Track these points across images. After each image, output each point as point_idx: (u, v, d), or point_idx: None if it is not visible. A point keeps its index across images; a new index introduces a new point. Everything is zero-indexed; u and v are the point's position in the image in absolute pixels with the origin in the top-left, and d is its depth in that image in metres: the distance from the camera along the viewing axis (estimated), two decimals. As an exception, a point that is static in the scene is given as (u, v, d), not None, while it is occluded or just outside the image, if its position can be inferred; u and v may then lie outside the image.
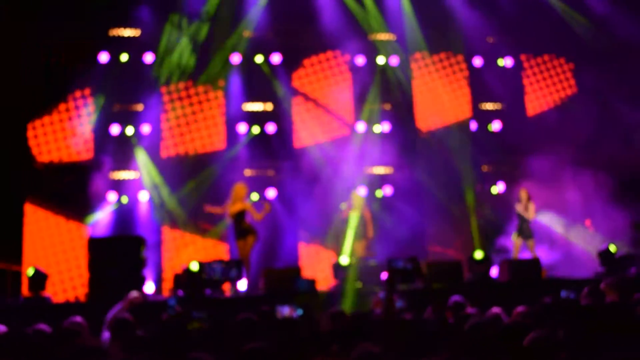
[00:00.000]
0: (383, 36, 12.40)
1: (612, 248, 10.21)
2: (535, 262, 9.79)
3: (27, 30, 10.79)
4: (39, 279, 8.87)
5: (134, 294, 7.01)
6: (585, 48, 12.03)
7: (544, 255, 10.99)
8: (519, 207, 10.79)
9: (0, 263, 9.55)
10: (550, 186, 11.52)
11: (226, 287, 9.27)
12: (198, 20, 11.63)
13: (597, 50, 11.91)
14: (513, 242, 10.90)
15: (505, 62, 12.76)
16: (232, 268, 9.19)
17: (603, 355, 3.50)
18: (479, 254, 9.83)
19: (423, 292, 8.74)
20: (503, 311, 6.05)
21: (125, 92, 11.47)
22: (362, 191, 11.43)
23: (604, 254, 10.19)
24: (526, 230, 10.72)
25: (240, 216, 10.15)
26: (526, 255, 10.58)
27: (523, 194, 10.87)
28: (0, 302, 8.58)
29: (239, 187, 10.28)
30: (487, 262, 9.69)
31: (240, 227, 10.13)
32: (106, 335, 5.96)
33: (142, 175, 11.36)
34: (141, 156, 11.38)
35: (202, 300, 8.67)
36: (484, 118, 12.64)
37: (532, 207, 10.76)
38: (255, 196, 11.34)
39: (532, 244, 10.70)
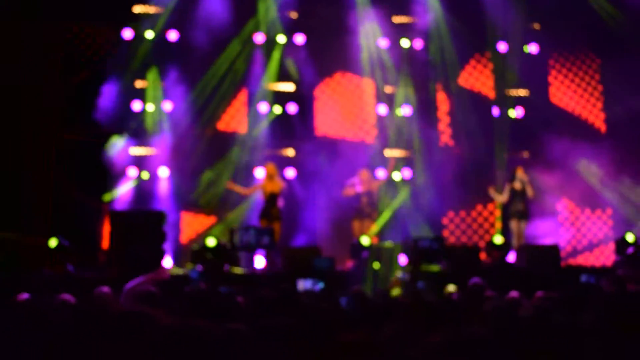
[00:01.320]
0: (404, 19, 12.32)
1: (630, 237, 10.18)
2: (553, 248, 9.79)
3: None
4: (62, 249, 9.01)
5: (162, 270, 7.04)
6: (614, 42, 11.84)
7: (553, 238, 10.99)
8: (517, 185, 10.71)
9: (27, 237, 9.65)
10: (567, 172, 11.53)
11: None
12: None
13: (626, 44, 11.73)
14: (512, 227, 10.78)
15: (530, 48, 12.59)
16: (265, 235, 9.29)
17: (628, 342, 3.52)
18: (498, 239, 9.84)
19: (443, 274, 8.78)
20: (522, 295, 6.08)
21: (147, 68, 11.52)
22: (380, 173, 11.46)
23: (621, 243, 10.17)
24: (523, 211, 10.67)
25: (273, 198, 10.24)
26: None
27: (522, 173, 10.81)
28: (24, 274, 8.71)
29: (271, 167, 10.39)
30: (505, 248, 9.71)
31: (270, 210, 10.21)
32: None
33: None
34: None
35: (222, 275, 8.76)
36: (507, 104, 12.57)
37: (529, 185, 10.77)
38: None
39: (524, 226, 10.65)
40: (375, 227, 10.76)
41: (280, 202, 10.46)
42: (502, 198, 11.07)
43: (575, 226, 12.01)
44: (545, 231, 11.24)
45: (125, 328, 2.58)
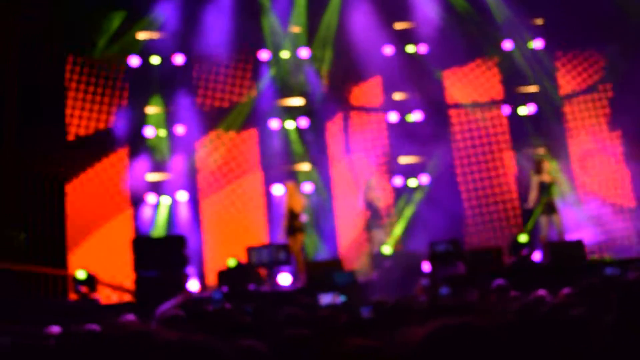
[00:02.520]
0: (405, 25, 12.32)
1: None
2: (578, 244, 9.67)
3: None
4: (90, 281, 9.11)
5: (187, 291, 7.10)
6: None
7: (587, 236, 10.81)
8: (545, 177, 10.36)
9: (47, 268, 9.78)
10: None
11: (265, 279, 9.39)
12: None
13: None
14: (541, 221, 10.44)
15: (535, 44, 12.51)
16: (281, 251, 9.33)
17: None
18: (523, 238, 9.74)
19: (466, 278, 8.72)
20: (548, 293, 6.00)
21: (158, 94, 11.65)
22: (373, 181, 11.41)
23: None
24: (552, 205, 10.31)
25: (294, 213, 10.33)
26: (553, 232, 10.34)
27: (548, 165, 10.51)
28: (51, 304, 8.82)
29: (292, 186, 10.58)
30: (530, 246, 9.61)
31: (293, 224, 10.30)
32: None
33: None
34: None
35: (246, 294, 8.79)
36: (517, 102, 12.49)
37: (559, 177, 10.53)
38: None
39: (558, 220, 10.36)
40: (394, 235, 10.72)
41: (303, 217, 10.50)
42: (534, 194, 10.48)
43: (601, 221, 11.82)
44: (572, 226, 11.08)
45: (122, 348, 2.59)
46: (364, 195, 10.80)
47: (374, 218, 10.64)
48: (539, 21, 12.29)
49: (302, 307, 5.82)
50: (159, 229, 11.20)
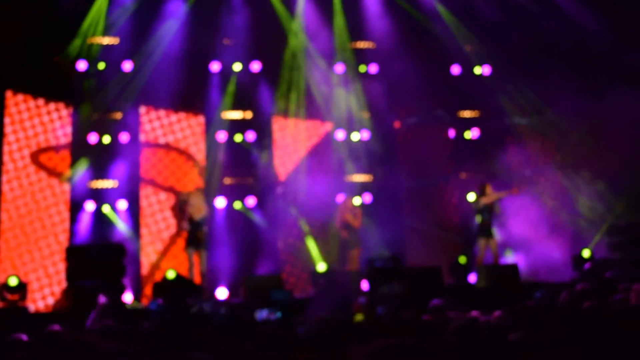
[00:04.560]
0: (363, 44, 12.49)
1: (585, 253, 10.36)
2: (512, 267, 9.90)
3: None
4: (21, 288, 8.81)
5: (101, 298, 6.96)
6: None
7: (520, 260, 11.08)
8: (485, 200, 10.62)
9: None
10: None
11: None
12: None
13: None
14: (479, 244, 10.69)
15: (483, 70, 12.83)
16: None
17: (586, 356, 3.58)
18: (462, 259, 9.93)
19: (403, 297, 8.79)
20: (481, 314, 6.12)
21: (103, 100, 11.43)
22: (340, 198, 11.52)
23: (577, 259, 10.34)
24: (489, 229, 10.60)
25: (196, 224, 10.17)
26: (488, 257, 10.60)
27: (490, 189, 10.79)
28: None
29: (195, 194, 10.48)
30: (467, 268, 9.79)
31: (194, 235, 10.18)
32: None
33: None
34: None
35: (183, 307, 8.63)
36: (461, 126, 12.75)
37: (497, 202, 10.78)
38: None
39: (495, 244, 10.63)
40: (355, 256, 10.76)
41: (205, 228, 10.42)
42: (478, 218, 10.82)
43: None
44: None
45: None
46: (339, 215, 10.83)
47: (351, 237, 10.67)
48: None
49: (237, 322, 5.78)
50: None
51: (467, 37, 12.37)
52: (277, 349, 3.94)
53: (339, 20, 12.14)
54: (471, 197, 12.20)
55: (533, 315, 4.67)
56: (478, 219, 10.74)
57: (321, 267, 9.94)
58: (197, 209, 10.31)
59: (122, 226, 11.03)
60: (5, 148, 11.04)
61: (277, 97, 11.96)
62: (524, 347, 3.92)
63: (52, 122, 11.26)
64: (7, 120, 11.11)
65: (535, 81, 11.94)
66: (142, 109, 11.70)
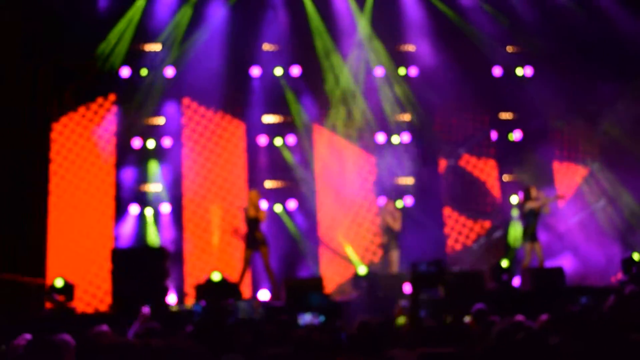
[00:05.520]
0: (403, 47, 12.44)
1: (636, 256, 10.09)
2: (558, 271, 9.71)
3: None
4: (67, 289, 9.00)
5: (144, 309, 6.93)
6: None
7: (567, 263, 10.86)
8: (532, 204, 10.41)
9: (24, 277, 9.64)
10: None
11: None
12: None
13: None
14: (525, 248, 10.49)
15: (525, 71, 12.64)
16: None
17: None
18: (505, 263, 9.78)
19: (445, 302, 8.69)
20: (526, 319, 6.01)
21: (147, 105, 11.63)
22: (380, 201, 11.48)
23: (627, 262, 10.07)
24: (535, 233, 10.41)
25: (253, 224, 10.14)
26: (534, 260, 10.39)
27: (534, 191, 10.57)
28: (25, 314, 8.68)
29: (253, 194, 10.28)
30: (511, 271, 9.64)
31: (253, 236, 10.09)
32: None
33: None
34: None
35: (226, 309, 8.70)
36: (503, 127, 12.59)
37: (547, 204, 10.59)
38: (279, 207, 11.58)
39: (540, 248, 10.43)
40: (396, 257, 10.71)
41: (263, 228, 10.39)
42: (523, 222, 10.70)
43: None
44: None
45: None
46: (380, 219, 10.83)
47: (391, 240, 10.66)
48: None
49: (279, 326, 5.79)
50: (150, 239, 11.14)
51: (510, 38, 12.22)
52: (317, 353, 3.93)
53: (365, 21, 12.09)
54: (514, 199, 12.03)
55: (578, 320, 4.55)
56: (524, 222, 10.58)
57: (362, 270, 9.89)
58: (256, 209, 10.24)
59: (154, 233, 11.15)
60: (53, 155, 11.30)
61: (327, 112, 11.99)
62: (567, 353, 3.83)
63: (99, 127, 11.50)
64: (56, 127, 11.38)
65: (576, 83, 11.70)
66: (184, 112, 11.85)
